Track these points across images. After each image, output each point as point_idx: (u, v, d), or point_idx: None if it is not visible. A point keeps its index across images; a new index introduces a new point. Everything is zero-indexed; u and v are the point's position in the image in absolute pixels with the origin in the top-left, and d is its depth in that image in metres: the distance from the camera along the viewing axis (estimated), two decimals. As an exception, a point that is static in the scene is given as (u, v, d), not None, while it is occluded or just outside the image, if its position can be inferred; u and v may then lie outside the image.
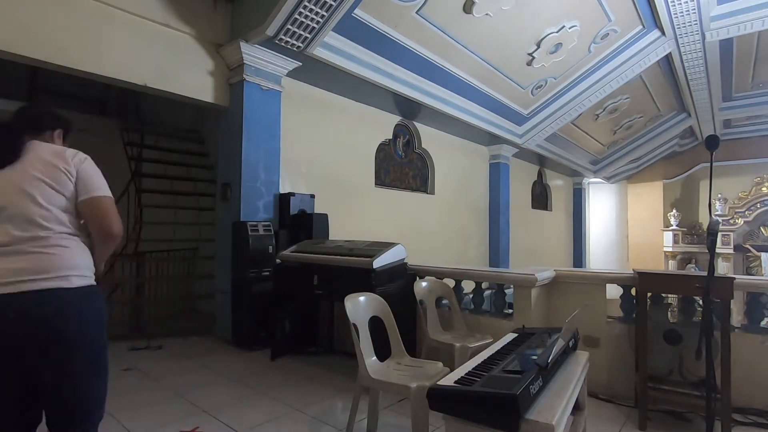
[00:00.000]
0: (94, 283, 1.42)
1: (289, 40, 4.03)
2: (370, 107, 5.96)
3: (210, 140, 5.50)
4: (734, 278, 2.37)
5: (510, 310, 3.24)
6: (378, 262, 3.07)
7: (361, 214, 5.80)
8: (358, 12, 4.18)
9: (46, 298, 1.27)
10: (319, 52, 4.28)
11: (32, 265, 1.27)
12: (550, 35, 5.52)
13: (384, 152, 6.45)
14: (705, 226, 10.34)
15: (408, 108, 6.12)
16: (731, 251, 10.52)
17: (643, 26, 5.88)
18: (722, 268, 10.29)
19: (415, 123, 6.83)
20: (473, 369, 1.56)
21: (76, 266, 1.35)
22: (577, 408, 1.82)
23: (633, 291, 2.91)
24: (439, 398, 1.39)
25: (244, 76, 4.27)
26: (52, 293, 1.28)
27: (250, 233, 4.03)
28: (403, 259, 3.40)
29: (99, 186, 1.42)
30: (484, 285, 3.53)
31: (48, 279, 1.28)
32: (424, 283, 3.19)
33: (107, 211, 1.41)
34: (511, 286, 3.18)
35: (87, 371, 1.35)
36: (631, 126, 9.32)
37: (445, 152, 7.41)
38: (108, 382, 1.45)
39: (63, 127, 1.60)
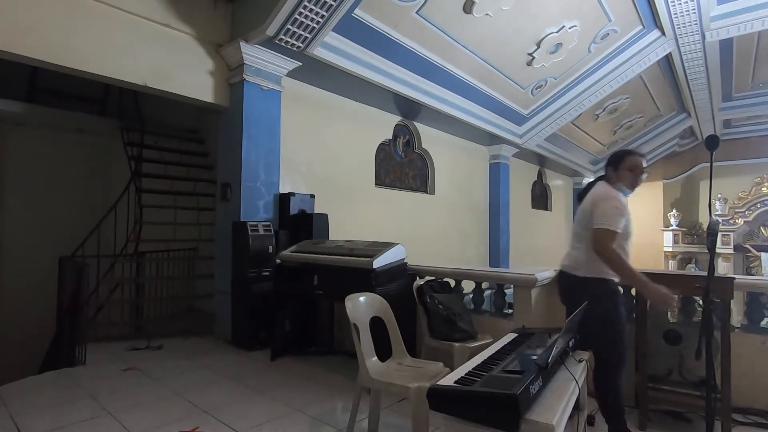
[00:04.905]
0: (591, 276, 2.24)
1: (289, 40, 4.03)
2: (370, 107, 5.96)
3: (210, 140, 5.50)
4: (734, 278, 2.37)
5: (510, 310, 3.24)
6: (378, 262, 3.07)
7: (361, 214, 5.80)
8: (358, 12, 4.18)
9: (568, 278, 2.36)
10: (319, 52, 4.28)
11: (569, 261, 2.38)
12: (550, 35, 5.52)
13: (384, 152, 6.45)
14: (705, 226, 10.31)
15: (408, 108, 6.11)
16: (731, 251, 10.51)
17: (643, 26, 5.88)
18: (722, 268, 10.28)
19: (415, 123, 6.82)
20: (473, 369, 1.56)
21: (582, 266, 2.28)
22: (577, 408, 1.82)
23: (633, 291, 2.91)
24: (439, 398, 1.39)
25: (244, 76, 4.26)
26: (568, 276, 2.36)
27: (250, 233, 4.02)
28: (403, 259, 3.40)
29: (596, 220, 2.20)
30: (484, 285, 3.52)
31: (571, 269, 2.34)
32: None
33: (596, 238, 2.20)
34: (511, 286, 3.18)
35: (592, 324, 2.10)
36: (631, 126, 9.32)
37: (445, 152, 7.41)
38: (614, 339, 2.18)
39: (611, 164, 2.38)
